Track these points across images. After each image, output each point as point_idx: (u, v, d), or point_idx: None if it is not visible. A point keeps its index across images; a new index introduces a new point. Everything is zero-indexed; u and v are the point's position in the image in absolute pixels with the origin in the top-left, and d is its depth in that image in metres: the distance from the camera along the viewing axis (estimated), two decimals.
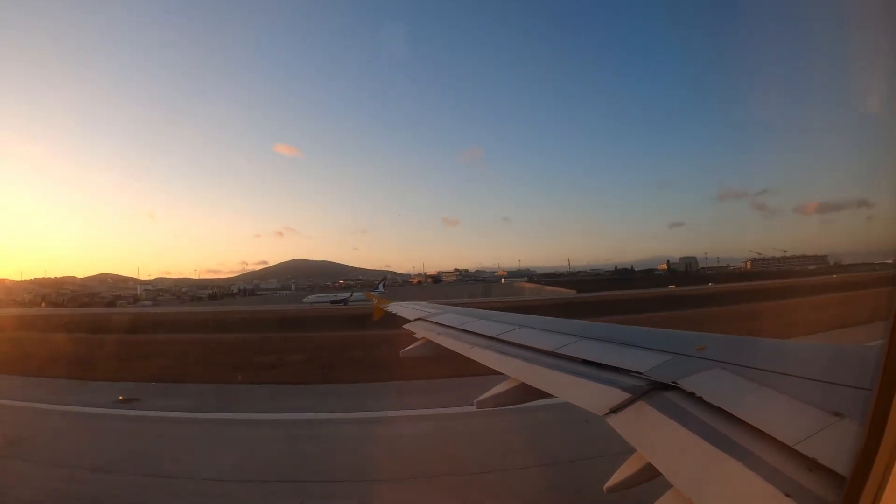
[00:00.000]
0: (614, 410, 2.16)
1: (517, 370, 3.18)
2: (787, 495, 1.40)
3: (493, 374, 3.36)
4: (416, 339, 5.52)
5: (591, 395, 2.40)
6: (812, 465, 1.47)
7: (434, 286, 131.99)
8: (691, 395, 2.09)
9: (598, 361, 2.80)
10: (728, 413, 1.85)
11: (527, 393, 2.95)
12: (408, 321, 6.55)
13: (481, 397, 3.16)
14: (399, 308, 7.93)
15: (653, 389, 2.25)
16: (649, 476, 1.85)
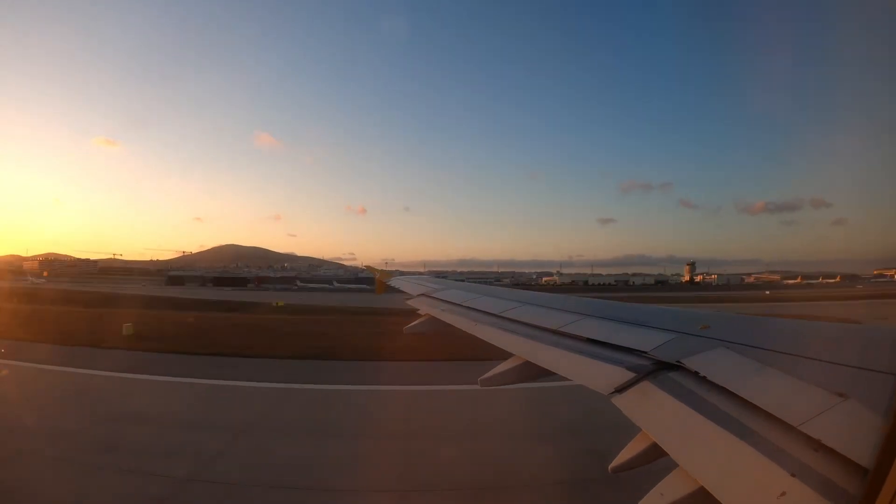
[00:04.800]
0: (619, 390, 2.19)
1: (521, 348, 3.20)
2: (793, 475, 1.43)
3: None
4: (420, 316, 5.56)
5: (595, 375, 2.42)
6: (817, 445, 1.49)
7: None
8: (696, 374, 2.11)
9: (602, 340, 2.82)
10: (732, 393, 1.87)
11: (531, 371, 2.98)
12: (410, 297, 6.58)
13: (485, 375, 3.19)
14: (401, 283, 7.95)
15: (657, 369, 2.27)
16: (654, 456, 1.88)
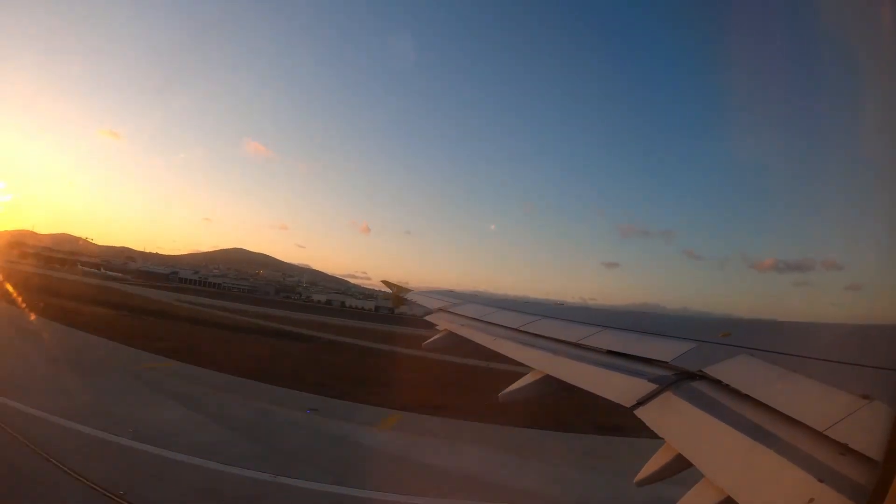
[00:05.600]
0: (641, 402, 2.19)
1: (541, 362, 3.21)
2: (821, 481, 1.42)
3: None
4: (438, 331, 5.58)
5: (617, 387, 2.43)
6: (843, 449, 1.48)
7: None
8: (718, 383, 2.10)
9: (623, 352, 2.82)
10: (757, 400, 1.86)
11: (552, 385, 2.99)
12: (429, 311, 6.61)
13: (506, 390, 3.21)
14: (419, 297, 7.99)
15: (679, 379, 2.27)
16: (680, 467, 1.88)
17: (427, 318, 6.46)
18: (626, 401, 2.25)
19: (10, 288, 29.35)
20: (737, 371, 2.14)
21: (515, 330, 4.16)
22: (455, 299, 7.01)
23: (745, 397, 1.91)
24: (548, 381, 3.02)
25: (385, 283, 9.73)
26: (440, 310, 6.39)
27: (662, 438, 1.96)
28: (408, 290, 8.81)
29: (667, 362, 2.47)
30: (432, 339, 5.54)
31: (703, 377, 2.21)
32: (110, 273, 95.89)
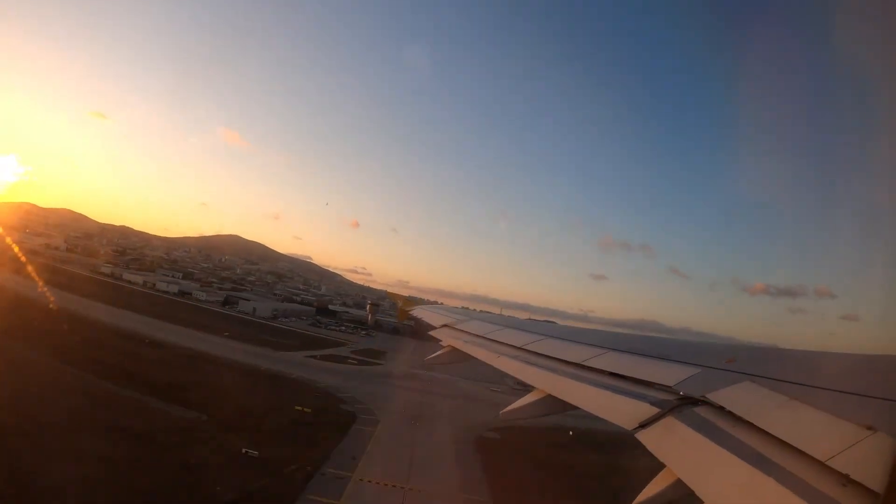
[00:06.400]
0: (643, 425, 2.19)
1: (544, 381, 3.21)
2: None
3: None
4: (442, 346, 5.59)
5: (619, 410, 2.42)
6: (845, 480, 1.48)
7: None
8: (721, 409, 2.10)
9: (626, 374, 2.82)
10: (759, 428, 1.86)
11: (553, 405, 2.98)
12: (433, 327, 6.63)
13: (507, 409, 3.20)
14: (423, 312, 8.01)
15: (682, 404, 2.27)
16: (679, 493, 1.88)
17: (431, 333, 6.49)
18: (628, 423, 2.25)
19: None
20: (740, 397, 2.14)
21: (519, 349, 4.16)
22: (460, 316, 7.03)
23: (748, 424, 1.91)
24: (549, 400, 3.01)
25: (391, 295, 9.81)
26: (445, 326, 6.40)
27: (664, 463, 1.96)
28: (413, 306, 8.85)
29: (670, 386, 2.46)
30: (435, 354, 5.55)
31: (706, 403, 2.21)
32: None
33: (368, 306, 74.99)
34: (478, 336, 5.27)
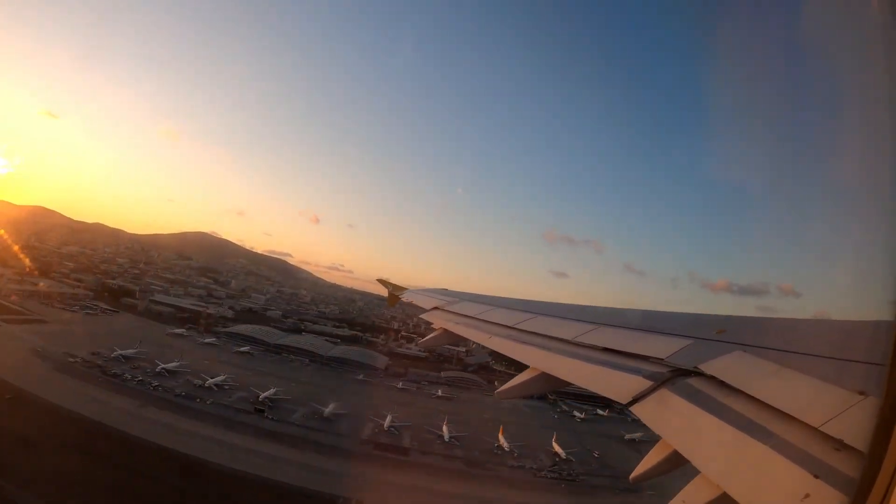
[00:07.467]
0: (637, 399, 2.20)
1: (537, 360, 3.21)
2: (816, 476, 1.43)
3: None
4: (434, 329, 5.57)
5: (613, 384, 2.43)
6: (839, 445, 1.49)
7: None
8: (714, 379, 2.11)
9: (618, 349, 2.82)
10: (752, 396, 1.87)
11: (548, 383, 2.99)
12: (423, 310, 6.60)
13: (502, 388, 3.20)
14: (414, 296, 7.98)
15: (675, 376, 2.28)
16: (675, 464, 1.89)
17: (422, 316, 6.46)
18: (622, 397, 2.25)
19: None
20: (732, 367, 2.14)
21: (511, 328, 4.15)
22: (450, 298, 7.00)
23: (741, 394, 1.92)
24: (544, 378, 3.02)
25: (380, 281, 9.70)
26: (436, 308, 6.37)
27: (659, 435, 1.96)
28: (403, 290, 8.79)
29: (662, 359, 2.47)
30: (428, 337, 5.53)
31: (698, 374, 2.21)
32: None
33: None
34: (469, 317, 5.25)
